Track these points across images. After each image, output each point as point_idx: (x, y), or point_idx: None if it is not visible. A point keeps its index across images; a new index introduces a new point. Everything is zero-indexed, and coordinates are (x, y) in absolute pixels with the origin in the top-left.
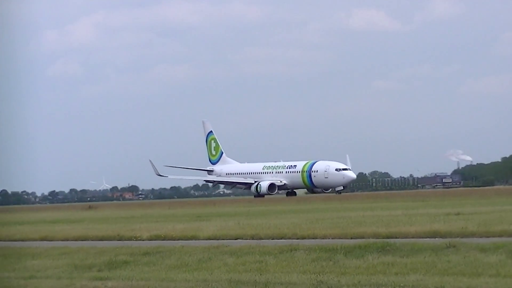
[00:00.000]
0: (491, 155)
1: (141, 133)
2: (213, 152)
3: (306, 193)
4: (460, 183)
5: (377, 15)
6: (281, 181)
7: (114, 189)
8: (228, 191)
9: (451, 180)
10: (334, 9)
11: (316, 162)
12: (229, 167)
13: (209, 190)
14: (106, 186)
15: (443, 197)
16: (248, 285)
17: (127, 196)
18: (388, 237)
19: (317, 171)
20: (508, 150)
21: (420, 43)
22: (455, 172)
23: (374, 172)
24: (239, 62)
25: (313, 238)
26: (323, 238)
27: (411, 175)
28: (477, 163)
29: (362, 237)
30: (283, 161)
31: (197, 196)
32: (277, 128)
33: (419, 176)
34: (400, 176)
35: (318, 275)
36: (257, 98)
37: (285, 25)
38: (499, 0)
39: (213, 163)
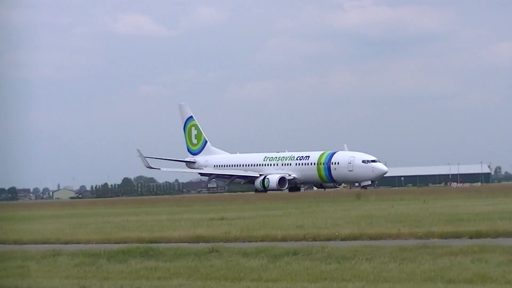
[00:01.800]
0: None
1: None
2: (194, 141)
3: (315, 187)
4: (224, 188)
5: (143, 20)
6: (289, 175)
7: None
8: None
9: (216, 185)
10: (100, 14)
11: (335, 152)
12: (218, 158)
13: None
14: None
15: (208, 202)
16: None
17: None
18: (151, 242)
19: (338, 163)
20: None
21: (186, 49)
22: None
23: (140, 177)
24: (1, 66)
25: (76, 243)
26: (86, 243)
27: (176, 180)
28: None
29: (126, 242)
30: (289, 151)
31: None
32: (42, 132)
33: (184, 181)
34: (166, 181)
35: (81, 280)
36: (21, 101)
37: (49, 29)
38: (264, 8)
39: (194, 154)
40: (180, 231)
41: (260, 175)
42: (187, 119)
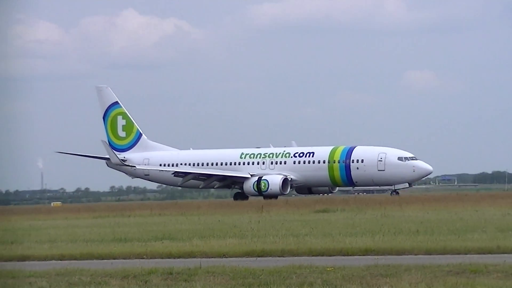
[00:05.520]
0: None
1: None
2: (122, 134)
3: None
4: None
5: None
6: (286, 176)
7: None
8: None
9: None
10: None
11: (354, 147)
12: (165, 156)
13: None
14: None
15: None
16: None
17: None
18: None
19: (362, 161)
20: None
21: None
22: None
23: None
24: None
25: None
26: None
27: None
28: None
29: None
30: (273, 146)
31: None
32: None
33: None
34: None
35: None
36: None
37: None
38: None
39: (122, 150)
40: None
41: (251, 175)
42: (110, 106)
